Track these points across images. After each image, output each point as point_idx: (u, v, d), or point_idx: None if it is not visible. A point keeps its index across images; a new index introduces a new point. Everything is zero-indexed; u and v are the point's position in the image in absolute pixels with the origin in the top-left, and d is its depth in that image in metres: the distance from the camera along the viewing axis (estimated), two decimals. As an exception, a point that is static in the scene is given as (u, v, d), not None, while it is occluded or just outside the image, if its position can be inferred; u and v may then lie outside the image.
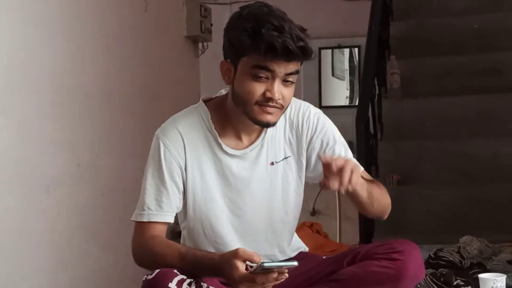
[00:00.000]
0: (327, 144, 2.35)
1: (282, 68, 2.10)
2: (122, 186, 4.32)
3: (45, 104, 3.73)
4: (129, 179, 4.26)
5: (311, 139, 2.34)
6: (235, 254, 1.97)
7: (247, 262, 1.97)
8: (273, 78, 2.12)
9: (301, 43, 2.08)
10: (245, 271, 1.96)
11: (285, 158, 2.33)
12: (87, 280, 4.04)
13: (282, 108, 2.19)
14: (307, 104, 2.39)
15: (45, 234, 3.71)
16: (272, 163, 2.32)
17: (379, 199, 2.29)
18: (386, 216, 2.39)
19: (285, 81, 2.14)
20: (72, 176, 3.95)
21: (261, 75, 2.11)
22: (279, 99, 2.14)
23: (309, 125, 2.34)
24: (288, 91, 2.16)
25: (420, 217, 4.47)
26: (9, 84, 3.45)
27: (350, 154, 2.40)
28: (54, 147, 3.80)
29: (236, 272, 1.95)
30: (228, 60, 2.19)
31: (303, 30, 2.12)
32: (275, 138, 2.32)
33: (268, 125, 2.21)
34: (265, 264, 1.92)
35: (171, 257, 2.10)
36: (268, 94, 2.12)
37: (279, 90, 2.13)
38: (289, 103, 2.22)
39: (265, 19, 2.07)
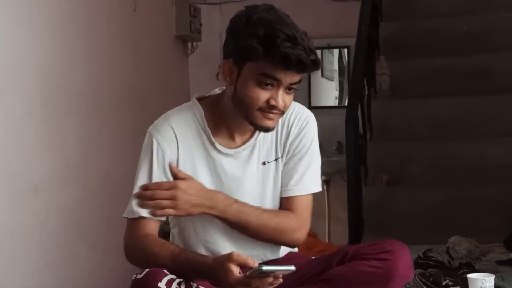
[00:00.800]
0: (298, 152, 2.35)
1: (289, 78, 2.13)
2: (111, 187, 4.31)
3: (33, 104, 3.71)
4: (119, 180, 4.26)
5: (293, 139, 2.35)
6: (229, 257, 1.98)
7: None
8: (278, 86, 2.14)
9: (313, 56, 2.12)
10: (239, 275, 1.96)
11: (276, 159, 2.34)
12: (75, 281, 4.03)
13: (283, 114, 2.22)
14: (301, 106, 2.41)
15: (33, 234, 3.69)
16: (264, 163, 2.33)
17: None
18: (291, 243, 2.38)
19: (288, 89, 2.17)
20: (60, 176, 3.94)
21: (268, 82, 2.13)
22: (282, 107, 2.16)
23: (297, 126, 2.35)
24: (290, 98, 2.20)
25: (408, 217, 4.48)
26: (-3, 84, 3.44)
27: (311, 172, 2.37)
28: (42, 147, 3.78)
29: (231, 276, 1.96)
30: (231, 61, 2.19)
31: (306, 34, 2.15)
32: (268, 139, 2.33)
33: (268, 130, 2.24)
34: (263, 268, 1.91)
35: (164, 257, 2.10)
36: (273, 102, 2.15)
37: (283, 98, 2.16)
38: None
39: (277, 27, 2.09)
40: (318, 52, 6.31)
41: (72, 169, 4.03)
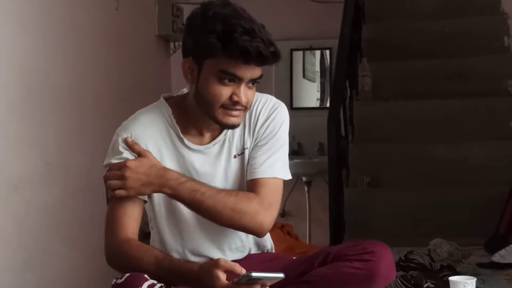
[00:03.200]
0: (266, 136, 2.30)
1: (249, 73, 2.11)
2: (92, 186, 4.27)
3: (14, 102, 3.68)
4: (99, 179, 4.19)
5: (262, 125, 2.31)
6: (216, 264, 1.96)
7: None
8: (240, 82, 2.13)
9: (273, 48, 2.09)
10: (226, 281, 1.94)
11: (245, 149, 2.31)
12: (55, 281, 4.00)
13: (246, 110, 2.21)
14: (269, 96, 2.38)
15: (12, 233, 3.66)
16: (235, 156, 2.31)
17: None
18: (253, 231, 2.24)
19: (251, 84, 2.16)
20: (40, 175, 3.91)
21: (229, 79, 2.11)
22: (245, 103, 2.15)
23: (265, 113, 2.32)
24: (252, 92, 2.18)
25: (390, 219, 4.49)
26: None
27: (278, 157, 2.30)
28: (22, 145, 3.75)
29: (218, 282, 1.94)
30: (191, 59, 2.17)
31: (263, 27, 2.13)
32: (237, 131, 2.31)
33: (233, 127, 2.22)
34: (253, 275, 1.88)
35: (147, 262, 2.07)
36: (235, 98, 2.13)
37: (245, 94, 2.14)
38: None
39: (234, 21, 2.07)
40: (300, 53, 6.32)
41: (52, 168, 4.01)
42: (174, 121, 2.27)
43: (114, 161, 2.21)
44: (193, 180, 2.19)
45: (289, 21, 6.07)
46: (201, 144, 2.28)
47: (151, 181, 2.14)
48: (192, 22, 2.17)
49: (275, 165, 2.27)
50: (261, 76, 2.16)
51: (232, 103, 2.14)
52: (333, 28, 5.23)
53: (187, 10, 5.78)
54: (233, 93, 2.13)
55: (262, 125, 2.31)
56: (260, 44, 2.05)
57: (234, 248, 2.36)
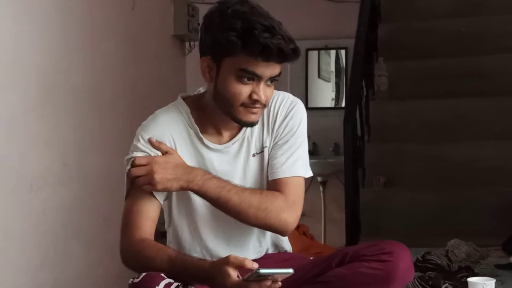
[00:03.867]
0: (286, 135, 2.30)
1: (269, 71, 2.11)
2: (108, 186, 4.29)
3: (31, 102, 3.69)
4: (115, 179, 4.20)
5: (280, 123, 2.31)
6: (226, 261, 1.94)
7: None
8: (259, 80, 2.12)
9: (293, 45, 2.09)
10: (237, 278, 1.93)
11: (264, 148, 2.31)
12: (71, 280, 4.01)
13: (265, 107, 2.21)
14: (286, 93, 2.37)
15: (29, 233, 3.67)
16: (254, 155, 2.31)
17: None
18: (278, 230, 2.25)
19: (270, 81, 2.15)
20: (57, 175, 3.92)
21: (248, 77, 2.11)
22: (264, 101, 2.15)
23: (283, 110, 2.31)
24: (271, 90, 2.18)
25: (406, 219, 4.47)
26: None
27: (298, 155, 2.31)
28: (39, 145, 3.76)
29: (228, 279, 1.92)
30: (209, 57, 2.17)
31: (281, 24, 2.12)
32: (256, 130, 2.31)
33: (252, 124, 2.22)
34: (261, 271, 1.87)
35: (161, 261, 2.06)
36: (255, 96, 2.13)
37: (264, 92, 2.14)
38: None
39: (254, 19, 2.07)
40: (315, 53, 6.31)
41: (68, 168, 4.02)
42: (193, 120, 2.26)
43: (139, 154, 2.21)
44: (218, 177, 2.20)
45: (305, 21, 6.05)
46: (220, 143, 2.28)
47: (179, 177, 2.15)
48: (210, 20, 2.16)
49: (296, 164, 2.28)
50: (279, 74, 2.16)
51: (252, 102, 2.14)
52: (348, 27, 5.22)
53: (202, 10, 5.78)
54: (252, 92, 2.13)
55: (281, 123, 2.30)
56: (281, 41, 2.05)
57: (252, 248, 2.35)
